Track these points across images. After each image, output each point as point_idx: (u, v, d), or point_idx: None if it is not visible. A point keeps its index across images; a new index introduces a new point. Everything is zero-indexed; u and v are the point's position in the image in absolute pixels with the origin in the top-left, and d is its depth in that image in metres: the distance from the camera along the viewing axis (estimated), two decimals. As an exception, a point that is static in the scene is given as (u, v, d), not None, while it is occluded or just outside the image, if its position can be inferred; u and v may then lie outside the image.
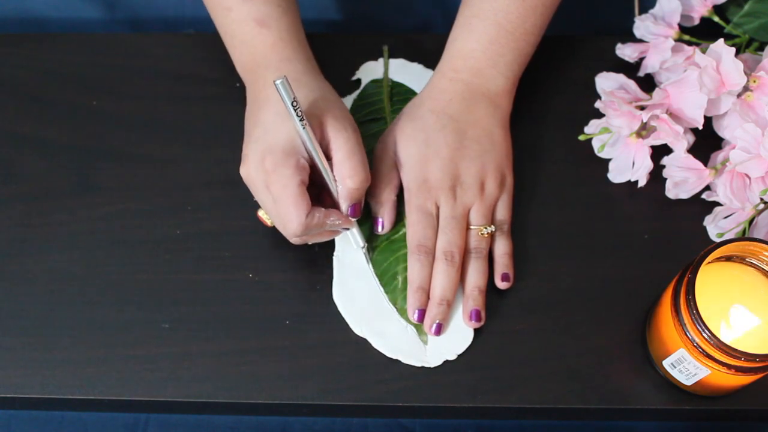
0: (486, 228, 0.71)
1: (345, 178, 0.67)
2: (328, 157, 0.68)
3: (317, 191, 0.69)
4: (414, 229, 0.70)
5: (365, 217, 0.73)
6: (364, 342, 0.70)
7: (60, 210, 0.75)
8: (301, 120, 0.64)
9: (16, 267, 0.73)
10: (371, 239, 0.73)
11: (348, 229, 0.70)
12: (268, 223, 0.70)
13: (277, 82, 0.63)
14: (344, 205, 0.69)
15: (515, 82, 0.74)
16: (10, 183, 0.76)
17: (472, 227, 0.71)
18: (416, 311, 0.70)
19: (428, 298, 0.70)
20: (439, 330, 0.69)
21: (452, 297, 0.70)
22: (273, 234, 0.74)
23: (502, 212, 0.73)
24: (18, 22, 0.87)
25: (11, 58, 0.81)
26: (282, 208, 0.66)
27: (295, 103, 0.64)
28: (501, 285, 0.71)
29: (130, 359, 0.70)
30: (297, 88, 0.67)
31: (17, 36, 0.83)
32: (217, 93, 0.79)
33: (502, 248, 0.72)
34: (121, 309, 0.71)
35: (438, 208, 0.71)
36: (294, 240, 0.68)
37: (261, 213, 0.70)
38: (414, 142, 0.71)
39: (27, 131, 0.78)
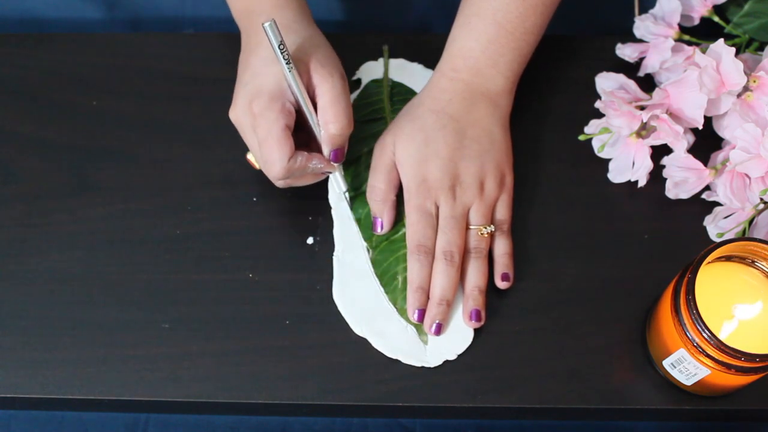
0: (485, 228, 0.71)
1: (328, 123, 0.68)
2: (314, 102, 0.68)
3: (306, 136, 0.70)
4: (413, 228, 0.71)
5: (365, 216, 0.73)
6: (364, 342, 0.70)
7: (60, 210, 0.75)
8: (287, 63, 0.65)
9: (16, 267, 0.73)
10: (371, 238, 0.73)
11: (330, 172, 0.71)
12: (256, 165, 0.71)
13: (266, 25, 0.64)
14: (326, 150, 0.70)
15: (515, 82, 0.74)
16: (10, 183, 0.76)
17: (471, 227, 0.71)
18: (416, 311, 0.70)
19: (428, 298, 0.70)
20: (439, 330, 0.69)
21: (452, 297, 0.70)
22: (273, 234, 0.74)
23: (502, 212, 0.73)
24: (18, 22, 0.87)
25: (11, 58, 0.81)
26: (266, 151, 0.67)
27: (282, 47, 0.65)
28: (501, 285, 0.71)
29: (130, 359, 0.70)
30: (286, 33, 0.68)
31: (17, 36, 0.83)
32: (217, 93, 0.79)
33: (501, 248, 0.72)
34: (121, 309, 0.71)
35: (437, 208, 0.71)
36: (278, 183, 0.70)
37: (250, 156, 0.71)
38: (413, 142, 0.71)
39: (27, 131, 0.78)
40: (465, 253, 0.71)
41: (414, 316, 0.70)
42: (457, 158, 0.71)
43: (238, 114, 0.68)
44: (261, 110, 0.67)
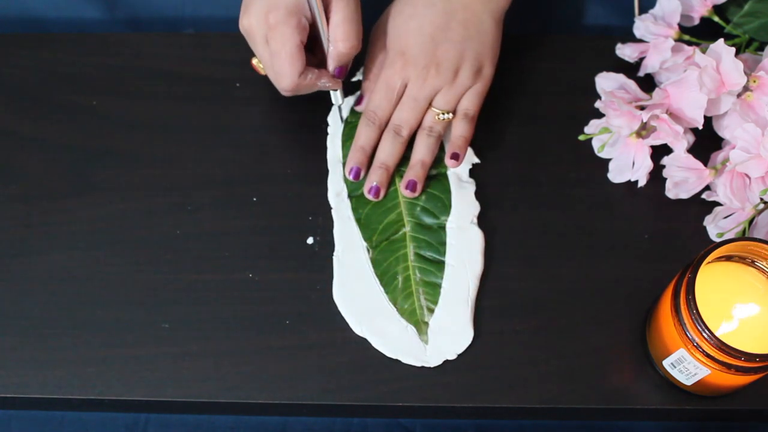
0: (444, 114, 0.73)
1: (337, 41, 0.70)
2: (328, 18, 0.69)
3: (311, 45, 0.71)
4: (373, 97, 0.74)
5: (365, 216, 0.73)
6: (364, 342, 0.70)
7: (60, 210, 0.75)
8: None
9: (16, 267, 0.73)
10: (371, 238, 0.73)
11: (335, 89, 0.73)
12: (261, 71, 0.73)
13: None
14: (332, 66, 0.71)
15: None
16: (10, 183, 0.76)
17: (433, 108, 0.73)
18: (352, 168, 0.73)
19: (368, 159, 0.74)
20: (377, 193, 0.72)
21: (393, 166, 0.73)
22: (273, 234, 0.74)
23: (471, 100, 0.74)
24: (18, 22, 0.87)
25: (11, 58, 0.81)
26: (278, 64, 0.69)
27: None
28: (449, 163, 0.73)
29: (130, 359, 0.70)
30: None
31: (17, 36, 0.83)
32: (217, 93, 0.79)
33: (459, 130, 0.74)
34: (121, 309, 0.71)
35: (405, 87, 0.73)
36: (285, 93, 0.71)
37: (255, 61, 0.73)
38: (400, 16, 0.73)
39: (27, 131, 0.78)
40: (418, 131, 0.73)
41: (350, 174, 0.73)
42: (439, 39, 0.72)
43: (251, 23, 0.69)
44: (277, 23, 0.67)
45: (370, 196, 0.73)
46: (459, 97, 0.74)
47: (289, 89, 0.70)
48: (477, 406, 0.69)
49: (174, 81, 0.80)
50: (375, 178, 0.73)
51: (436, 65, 0.72)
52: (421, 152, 0.73)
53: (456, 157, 0.73)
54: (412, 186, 0.73)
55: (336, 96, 0.75)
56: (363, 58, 0.77)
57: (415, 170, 0.73)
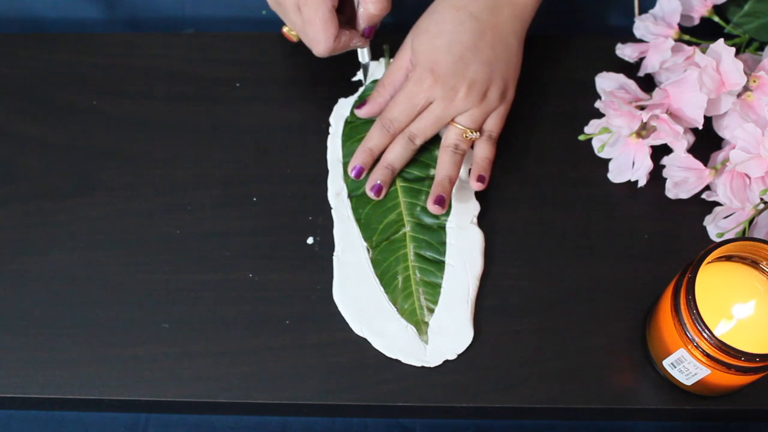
0: (471, 132, 0.73)
1: (368, 2, 0.71)
2: None
3: (340, 4, 0.72)
4: (393, 107, 0.73)
5: (365, 216, 0.74)
6: (364, 342, 0.70)
7: (60, 210, 0.75)
8: None
9: (16, 267, 0.73)
10: (371, 238, 0.73)
11: (363, 47, 0.75)
12: (294, 39, 0.75)
13: None
14: (362, 26, 0.73)
15: (539, 2, 0.74)
16: (10, 183, 0.76)
17: (458, 126, 0.73)
18: (356, 167, 0.73)
19: (373, 160, 0.74)
20: (379, 191, 0.72)
21: (399, 169, 0.73)
22: (273, 234, 0.74)
23: (496, 122, 0.74)
24: (18, 22, 0.87)
25: (11, 58, 0.81)
26: (312, 30, 0.70)
27: None
28: (475, 186, 0.73)
29: (130, 359, 0.70)
30: None
31: (17, 36, 0.83)
32: (217, 93, 0.79)
33: (483, 152, 0.74)
34: (121, 309, 0.71)
35: (428, 105, 0.73)
36: (320, 55, 0.73)
37: (286, 29, 0.75)
38: (428, 35, 0.73)
39: (27, 131, 0.78)
40: (443, 149, 0.73)
41: (352, 172, 0.73)
42: (469, 59, 0.72)
43: None
44: None
45: (371, 194, 0.73)
46: (485, 118, 0.74)
47: (325, 53, 0.72)
48: (477, 406, 0.69)
49: (174, 81, 0.80)
50: (379, 177, 0.73)
51: (467, 87, 0.72)
52: (448, 168, 0.73)
53: (482, 179, 0.73)
54: (440, 201, 0.72)
55: (363, 54, 0.76)
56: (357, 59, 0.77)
57: (444, 186, 0.72)
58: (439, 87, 0.72)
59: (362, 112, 0.75)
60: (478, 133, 0.73)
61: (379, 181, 0.73)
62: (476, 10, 0.72)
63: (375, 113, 0.75)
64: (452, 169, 0.73)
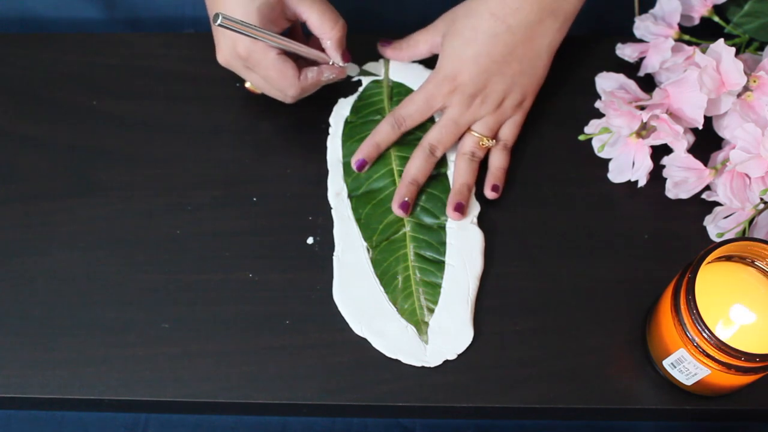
0: (487, 140, 0.73)
1: (328, 31, 0.71)
2: (302, 21, 0.71)
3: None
4: (408, 105, 0.74)
5: (365, 216, 0.73)
6: (364, 342, 0.70)
7: (60, 210, 0.75)
8: (265, 34, 0.68)
9: (16, 267, 0.73)
10: (371, 238, 0.73)
11: (342, 78, 0.75)
12: (257, 91, 0.75)
13: (218, 23, 0.66)
14: (337, 56, 0.73)
15: (577, 13, 0.74)
16: (10, 183, 0.76)
17: (474, 133, 0.73)
18: (360, 159, 0.74)
19: (377, 156, 0.74)
20: (406, 208, 0.72)
21: (423, 182, 0.73)
22: (273, 234, 0.74)
23: (510, 130, 0.75)
24: (18, 22, 0.87)
25: (11, 58, 0.81)
26: (274, 83, 0.71)
27: (246, 26, 0.67)
28: (489, 195, 0.74)
29: (130, 359, 0.70)
30: None
31: (17, 36, 0.83)
32: (217, 93, 0.79)
33: (498, 161, 0.74)
34: (121, 309, 0.71)
35: (444, 109, 0.73)
36: (293, 101, 0.73)
37: (248, 84, 0.75)
38: (459, 39, 0.72)
39: (27, 131, 0.78)
40: (459, 156, 0.73)
41: (355, 164, 0.74)
42: (493, 71, 0.72)
43: (227, 59, 0.71)
44: (248, 52, 0.69)
45: (400, 212, 0.72)
46: (500, 125, 0.74)
47: (295, 96, 0.72)
48: (477, 406, 0.69)
49: (174, 81, 0.80)
50: (406, 194, 0.73)
51: (484, 96, 0.72)
52: (466, 176, 0.73)
53: (496, 189, 0.74)
54: (460, 209, 0.72)
55: (353, 70, 0.77)
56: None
57: (462, 193, 0.73)
58: (458, 95, 0.72)
59: (388, 52, 0.77)
60: (493, 140, 0.73)
61: (406, 198, 0.73)
62: (515, 24, 0.71)
63: (397, 58, 0.77)
64: (469, 176, 0.73)
